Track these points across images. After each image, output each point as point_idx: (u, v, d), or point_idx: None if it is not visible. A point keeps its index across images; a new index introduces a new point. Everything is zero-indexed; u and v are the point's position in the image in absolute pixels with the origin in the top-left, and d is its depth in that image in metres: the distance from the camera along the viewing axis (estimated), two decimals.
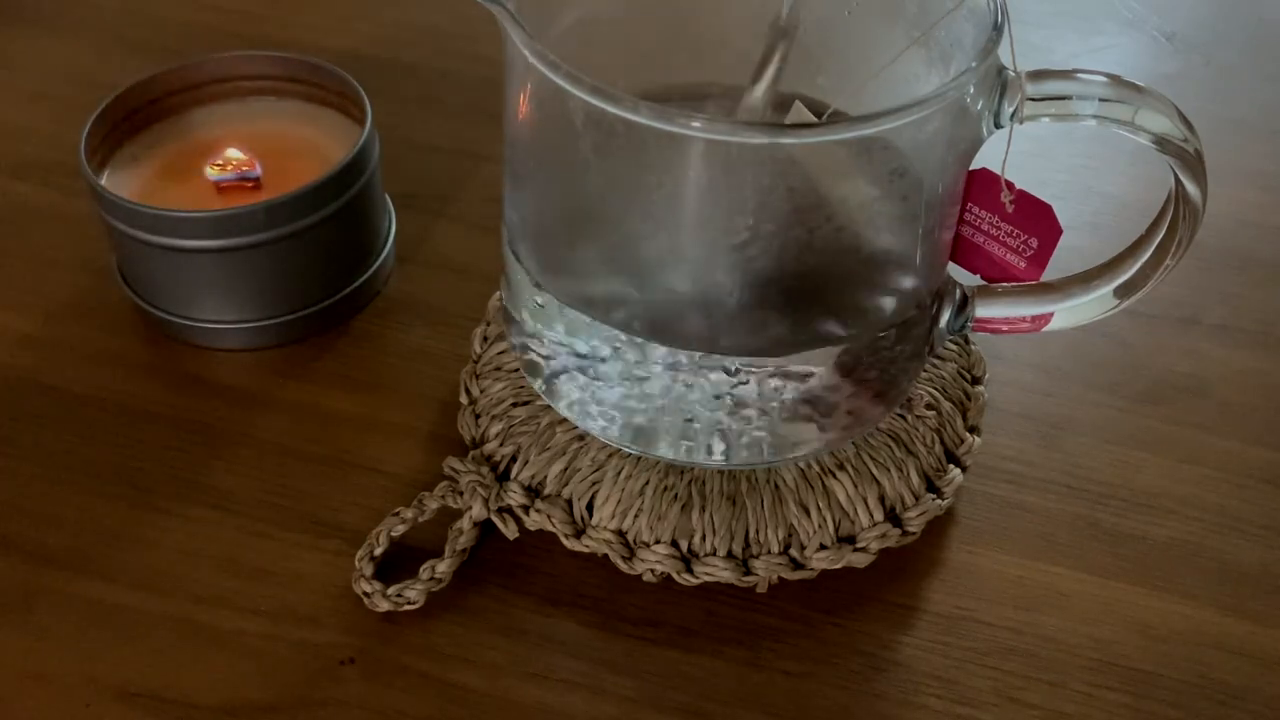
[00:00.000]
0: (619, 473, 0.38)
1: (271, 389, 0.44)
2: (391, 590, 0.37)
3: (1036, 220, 0.36)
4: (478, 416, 0.41)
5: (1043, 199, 0.35)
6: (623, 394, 0.36)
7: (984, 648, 0.37)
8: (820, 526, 0.38)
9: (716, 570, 0.37)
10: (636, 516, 0.38)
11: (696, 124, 0.30)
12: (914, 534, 0.39)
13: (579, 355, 0.36)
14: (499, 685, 0.36)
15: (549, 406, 0.39)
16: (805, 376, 0.35)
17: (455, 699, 0.35)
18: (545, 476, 0.39)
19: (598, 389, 0.36)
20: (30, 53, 0.59)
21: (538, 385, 0.38)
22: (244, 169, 0.45)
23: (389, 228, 0.48)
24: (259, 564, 0.38)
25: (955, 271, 0.38)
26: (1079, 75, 0.33)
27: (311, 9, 0.63)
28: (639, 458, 0.38)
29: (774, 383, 0.35)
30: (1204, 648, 0.37)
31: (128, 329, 0.46)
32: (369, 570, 0.37)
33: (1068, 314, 0.38)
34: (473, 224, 0.50)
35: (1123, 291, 0.37)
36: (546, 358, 0.37)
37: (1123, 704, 0.36)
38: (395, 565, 0.38)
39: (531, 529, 0.38)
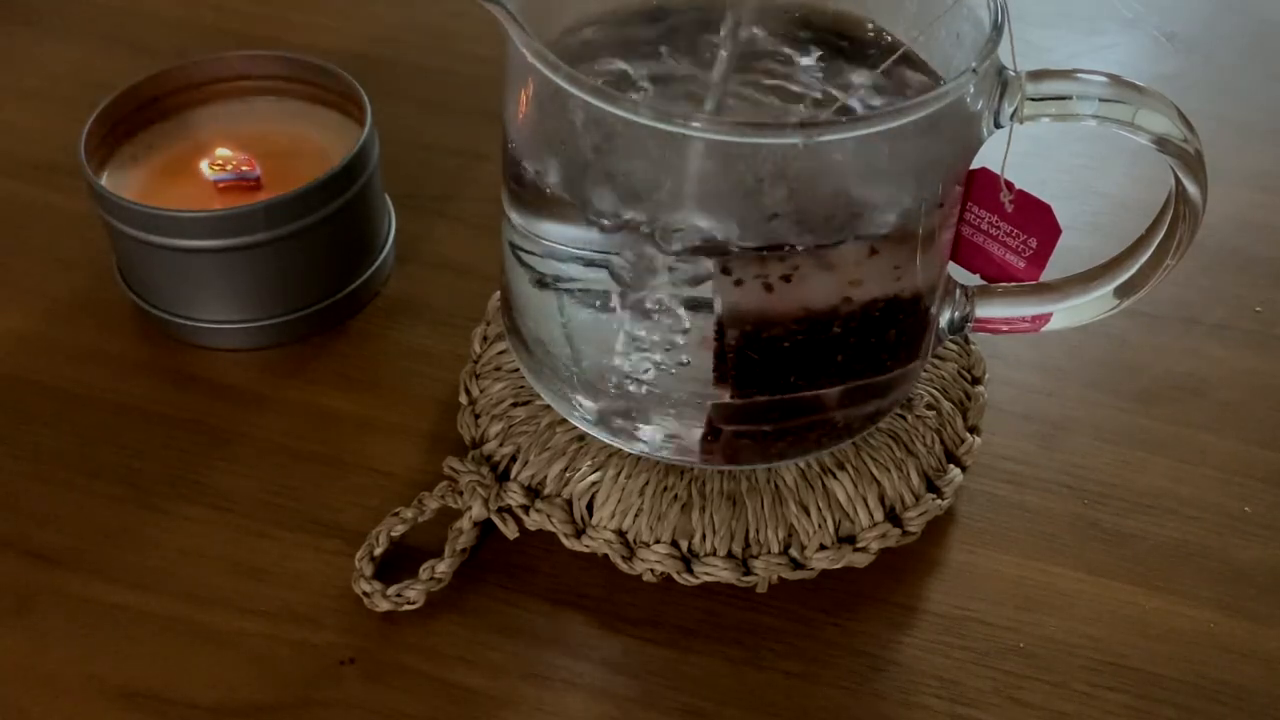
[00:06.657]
0: (619, 473, 0.38)
1: (271, 389, 0.44)
2: (391, 590, 0.37)
3: (1036, 220, 0.36)
4: (477, 416, 0.41)
5: (1042, 199, 0.35)
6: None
7: (984, 648, 0.37)
8: (820, 526, 0.38)
9: (716, 570, 0.37)
10: (636, 516, 0.38)
11: (696, 124, 0.30)
12: (914, 534, 0.39)
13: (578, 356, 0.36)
14: (499, 685, 0.36)
15: (549, 406, 0.39)
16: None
17: (455, 699, 0.35)
18: (545, 476, 0.39)
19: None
20: (30, 53, 0.59)
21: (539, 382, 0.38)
22: (244, 169, 0.45)
23: (389, 228, 0.48)
24: (259, 564, 0.38)
25: (955, 271, 0.38)
26: (1079, 75, 0.33)
27: (311, 9, 0.63)
28: (638, 458, 0.38)
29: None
30: (1204, 648, 0.37)
31: (128, 329, 0.46)
32: (369, 570, 0.37)
33: (1068, 314, 0.38)
34: (473, 224, 0.50)
35: (1123, 291, 0.37)
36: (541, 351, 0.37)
37: (1123, 704, 0.36)
38: (395, 565, 0.38)
39: (531, 529, 0.38)
